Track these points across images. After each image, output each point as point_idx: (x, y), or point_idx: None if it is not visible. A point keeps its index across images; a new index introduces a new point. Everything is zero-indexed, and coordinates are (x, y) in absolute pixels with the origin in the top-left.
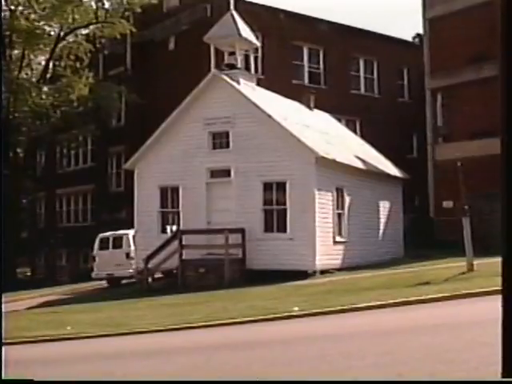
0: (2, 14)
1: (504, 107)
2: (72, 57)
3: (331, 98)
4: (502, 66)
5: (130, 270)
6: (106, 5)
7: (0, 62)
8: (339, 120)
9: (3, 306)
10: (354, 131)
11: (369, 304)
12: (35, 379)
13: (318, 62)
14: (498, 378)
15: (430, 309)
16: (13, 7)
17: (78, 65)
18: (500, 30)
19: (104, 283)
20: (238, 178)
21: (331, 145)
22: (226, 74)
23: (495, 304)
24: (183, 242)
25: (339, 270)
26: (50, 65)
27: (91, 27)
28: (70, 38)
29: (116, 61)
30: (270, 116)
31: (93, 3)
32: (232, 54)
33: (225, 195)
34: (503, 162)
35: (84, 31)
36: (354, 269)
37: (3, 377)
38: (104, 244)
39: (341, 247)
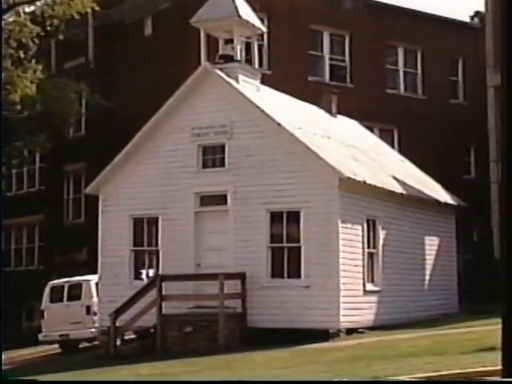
0: None
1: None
2: (13, 43)
3: (360, 100)
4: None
5: (92, 330)
6: None
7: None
8: (371, 129)
9: None
10: (391, 144)
11: (412, 376)
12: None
13: (343, 53)
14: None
15: None
16: None
17: (21, 54)
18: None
19: (56, 348)
20: (237, 205)
21: (360, 162)
22: (221, 69)
23: None
24: (163, 292)
25: (371, 328)
26: None
27: (38, 3)
28: (10, 18)
29: (74, 49)
30: (279, 124)
31: None
32: (229, 41)
33: (219, 229)
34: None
35: (28, 8)
36: (390, 327)
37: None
38: (56, 295)
39: (373, 298)
